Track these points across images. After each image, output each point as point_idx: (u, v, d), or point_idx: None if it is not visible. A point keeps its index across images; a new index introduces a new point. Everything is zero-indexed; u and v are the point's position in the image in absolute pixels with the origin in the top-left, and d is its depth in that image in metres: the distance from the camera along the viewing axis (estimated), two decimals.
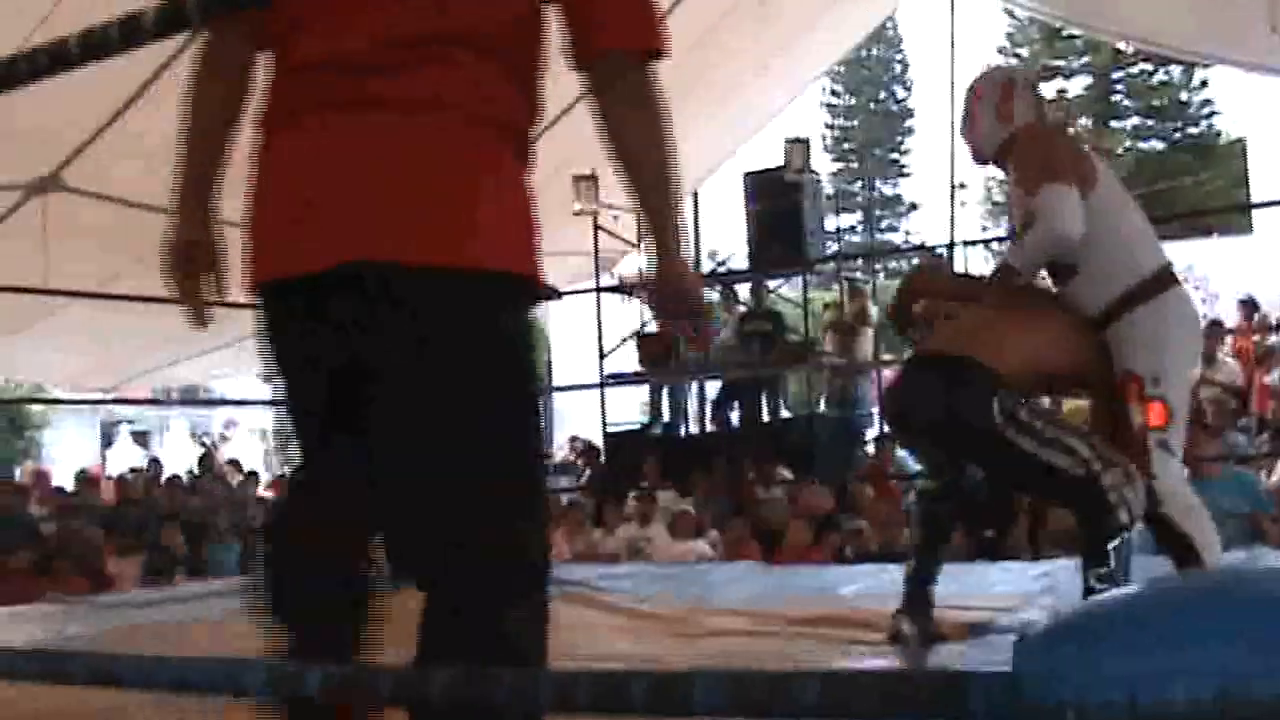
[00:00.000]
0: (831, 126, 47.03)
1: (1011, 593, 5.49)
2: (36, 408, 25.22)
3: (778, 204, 13.04)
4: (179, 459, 19.53)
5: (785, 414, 14.13)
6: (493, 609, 1.97)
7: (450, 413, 2.00)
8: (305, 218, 2.01)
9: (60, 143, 9.09)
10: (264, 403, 24.51)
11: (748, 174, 13.91)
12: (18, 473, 19.30)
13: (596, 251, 13.15)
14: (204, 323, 2.30)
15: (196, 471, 14.58)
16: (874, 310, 13.93)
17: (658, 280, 2.32)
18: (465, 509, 1.99)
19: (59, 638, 5.67)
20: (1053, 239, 4.05)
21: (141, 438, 29.14)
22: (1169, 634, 0.98)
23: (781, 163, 13.26)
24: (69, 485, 13.95)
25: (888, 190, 47.68)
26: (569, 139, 10.37)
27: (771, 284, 14.32)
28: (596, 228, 13.05)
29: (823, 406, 14.59)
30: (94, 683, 1.57)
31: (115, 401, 18.70)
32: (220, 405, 25.71)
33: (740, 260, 15.20)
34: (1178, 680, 0.95)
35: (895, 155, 47.43)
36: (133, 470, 15.30)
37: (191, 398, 22.30)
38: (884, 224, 46.27)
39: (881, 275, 20.22)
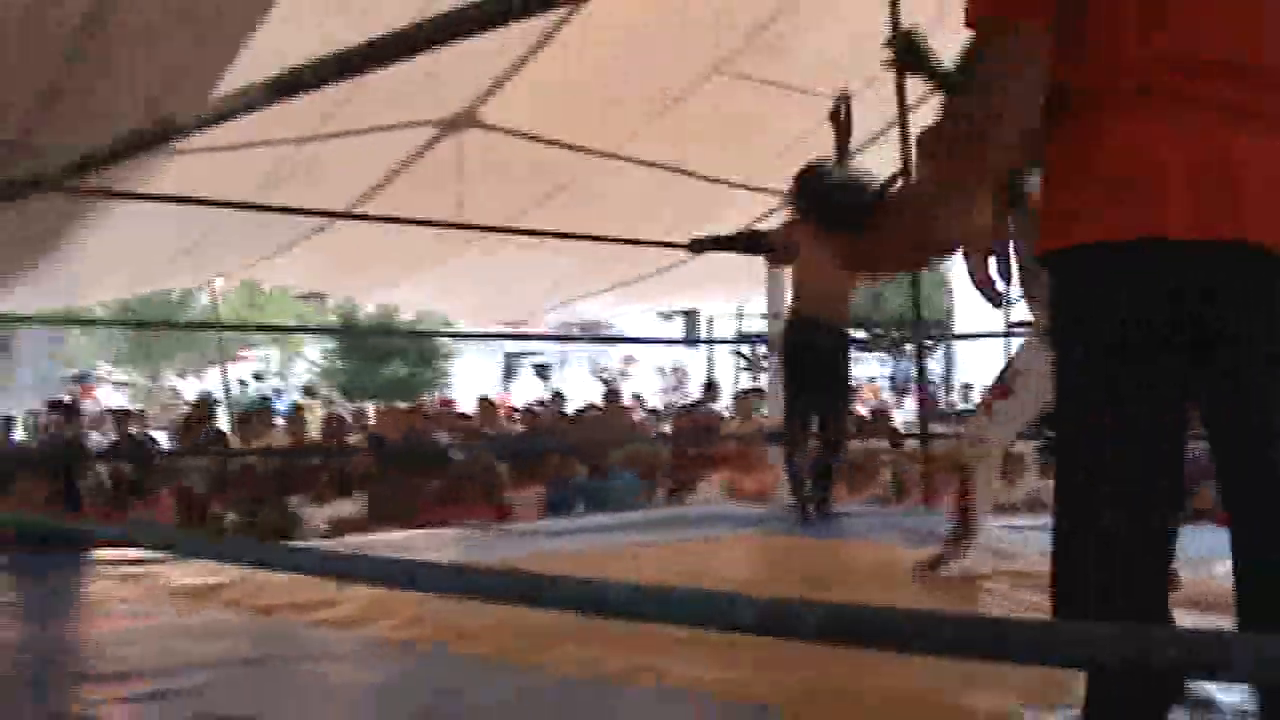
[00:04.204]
0: None
1: None
2: (444, 340, 25.97)
3: None
4: (579, 392, 19.90)
5: None
6: None
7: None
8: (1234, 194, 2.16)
9: (475, 80, 9.24)
10: (665, 341, 24.90)
11: None
12: (428, 401, 19.95)
13: None
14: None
15: (601, 405, 14.79)
16: None
17: None
18: None
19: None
20: None
21: (542, 371, 29.90)
22: None
23: None
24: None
25: None
26: None
27: None
28: None
29: None
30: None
31: (522, 336, 19.18)
32: (622, 342, 26.13)
33: None
34: None
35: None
36: (539, 402, 15.64)
37: (593, 333, 22.70)
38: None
39: None
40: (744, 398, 13.96)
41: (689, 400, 18.99)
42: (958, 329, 24.42)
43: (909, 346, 25.88)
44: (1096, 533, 2.26)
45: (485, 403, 14.57)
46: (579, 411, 14.13)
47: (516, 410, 16.37)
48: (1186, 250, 2.15)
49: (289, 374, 30.04)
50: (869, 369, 29.87)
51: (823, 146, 10.44)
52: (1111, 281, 2.22)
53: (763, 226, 9.52)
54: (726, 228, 8.92)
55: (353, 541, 7.35)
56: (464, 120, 9.58)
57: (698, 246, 7.88)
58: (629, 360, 28.29)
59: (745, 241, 7.88)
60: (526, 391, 25.39)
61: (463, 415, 14.10)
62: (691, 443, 12.05)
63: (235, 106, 2.52)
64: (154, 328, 22.83)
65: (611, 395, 15.87)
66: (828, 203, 4.18)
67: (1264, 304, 2.20)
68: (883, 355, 29.61)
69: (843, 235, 2.64)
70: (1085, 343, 2.27)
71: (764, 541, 7.09)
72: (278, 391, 24.89)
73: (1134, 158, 2.20)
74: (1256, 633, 2.32)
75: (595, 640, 3.81)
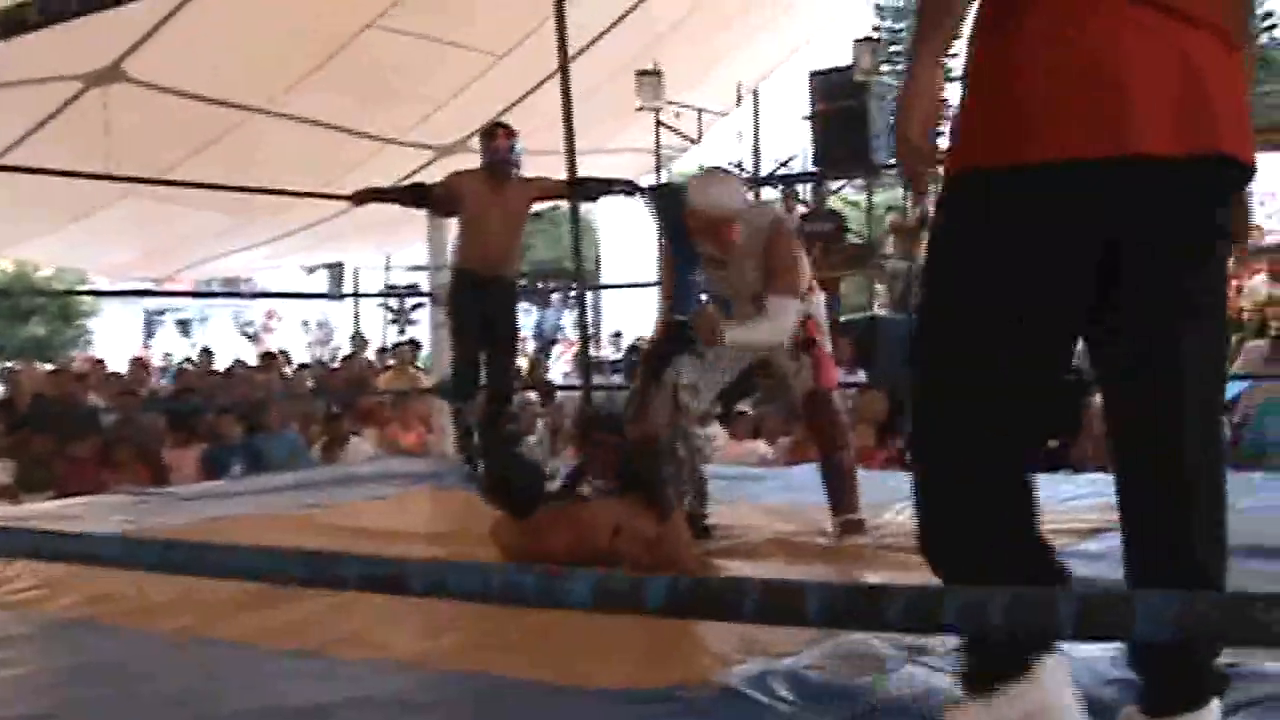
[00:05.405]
0: (879, 29, 46.30)
1: (1089, 508, 4.96)
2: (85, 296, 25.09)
3: (844, 105, 12.91)
4: (224, 349, 19.56)
5: (843, 316, 13.42)
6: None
7: (1214, 281, 2.33)
8: (1151, 105, 2.12)
9: (121, 35, 8.98)
10: (314, 295, 24.51)
11: (814, 74, 13.68)
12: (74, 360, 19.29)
13: (658, 148, 13.05)
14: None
15: (255, 362, 14.57)
16: None
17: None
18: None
19: (147, 531, 5.66)
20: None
21: (184, 327, 29.21)
22: None
23: (849, 63, 13.01)
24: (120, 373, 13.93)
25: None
26: (633, 34, 10.24)
27: (834, 185, 14.22)
28: (658, 124, 12.91)
29: (877, 310, 13.88)
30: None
31: (169, 294, 18.65)
32: (271, 297, 25.57)
33: (802, 162, 14.94)
34: None
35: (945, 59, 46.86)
36: (188, 360, 15.28)
37: (234, 289, 22.23)
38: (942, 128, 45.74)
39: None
40: (399, 350, 13.94)
41: (337, 354, 18.81)
42: (604, 279, 24.64)
43: (555, 296, 26.18)
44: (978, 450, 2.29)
45: (138, 362, 14.24)
46: (229, 368, 13.87)
47: (162, 368, 16.01)
48: (1170, 166, 2.14)
49: None
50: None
51: (476, 101, 10.51)
52: (1080, 201, 2.18)
53: (422, 179, 9.47)
54: (379, 181, 8.85)
55: (2, 513, 7.06)
56: (110, 75, 9.32)
57: (361, 198, 7.79)
58: (272, 315, 27.81)
59: (410, 194, 7.83)
60: (169, 348, 24.82)
61: (112, 374, 13.67)
62: (345, 397, 11.94)
63: None
64: None
65: (266, 355, 15.59)
66: None
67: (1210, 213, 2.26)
68: (526, 305, 29.84)
69: None
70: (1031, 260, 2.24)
71: (438, 498, 7.03)
72: None
73: (1097, 66, 2.14)
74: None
75: (298, 609, 3.72)
